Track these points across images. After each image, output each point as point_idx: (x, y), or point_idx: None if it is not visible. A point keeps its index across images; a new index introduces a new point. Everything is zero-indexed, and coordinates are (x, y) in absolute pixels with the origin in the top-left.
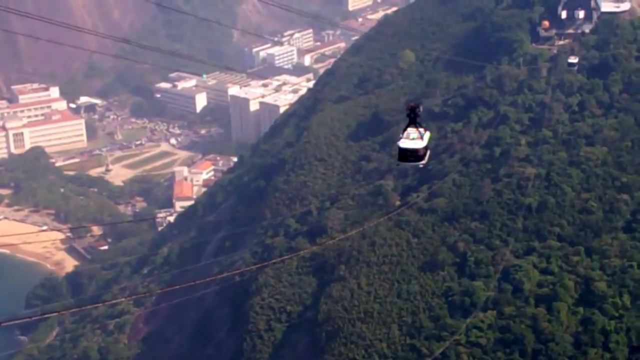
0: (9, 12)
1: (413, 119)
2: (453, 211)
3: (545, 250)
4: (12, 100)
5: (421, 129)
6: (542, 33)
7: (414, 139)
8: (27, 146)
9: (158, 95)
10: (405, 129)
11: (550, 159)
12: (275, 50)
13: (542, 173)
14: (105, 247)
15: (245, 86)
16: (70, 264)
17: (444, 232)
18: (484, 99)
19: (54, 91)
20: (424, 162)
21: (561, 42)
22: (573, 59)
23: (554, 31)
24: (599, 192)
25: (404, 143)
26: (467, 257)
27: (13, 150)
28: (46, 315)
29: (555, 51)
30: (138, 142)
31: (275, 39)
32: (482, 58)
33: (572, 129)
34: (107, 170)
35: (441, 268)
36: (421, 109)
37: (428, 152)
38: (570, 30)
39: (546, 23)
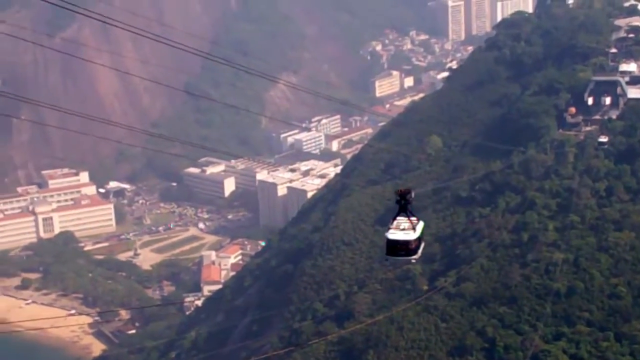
0: (40, 105)
1: (404, 207)
2: (481, 296)
3: (574, 336)
4: (42, 185)
5: (413, 219)
6: (569, 119)
7: (404, 230)
8: (57, 231)
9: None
10: (394, 218)
11: (578, 244)
12: (303, 135)
13: (570, 258)
14: (133, 331)
15: (273, 171)
16: (98, 348)
17: (472, 316)
18: (511, 184)
19: (84, 176)
20: (416, 256)
21: (588, 128)
22: (603, 139)
23: (580, 117)
24: (628, 277)
25: (393, 234)
26: (495, 342)
27: (42, 234)
28: None
29: (582, 137)
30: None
31: (303, 124)
32: (509, 144)
33: (600, 214)
34: (136, 255)
35: (470, 353)
36: (413, 195)
37: (422, 245)
38: (597, 117)
39: (573, 109)
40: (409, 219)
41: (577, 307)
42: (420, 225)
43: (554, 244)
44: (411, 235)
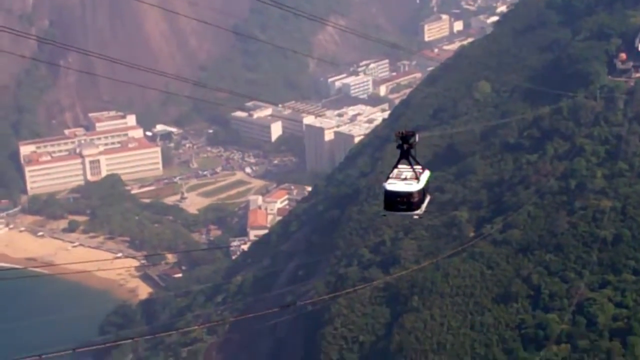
0: (88, 54)
1: (406, 153)
2: (528, 243)
3: (620, 284)
4: (89, 127)
5: (418, 167)
6: (619, 65)
7: (405, 179)
8: (104, 173)
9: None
10: (395, 166)
11: (626, 192)
12: (351, 80)
13: (617, 206)
14: (180, 275)
15: (320, 116)
16: (144, 291)
17: (518, 264)
18: (560, 131)
19: (131, 119)
20: (419, 212)
21: (638, 75)
22: None
23: (631, 64)
24: None
25: (393, 185)
26: (541, 289)
27: (89, 177)
28: (120, 342)
29: (632, 83)
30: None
31: (351, 68)
32: (558, 90)
33: None
34: (183, 198)
35: (515, 300)
36: (417, 138)
37: (427, 198)
38: None
39: (623, 55)
40: (412, 167)
41: (623, 255)
42: (426, 175)
43: (601, 192)
44: (414, 187)
